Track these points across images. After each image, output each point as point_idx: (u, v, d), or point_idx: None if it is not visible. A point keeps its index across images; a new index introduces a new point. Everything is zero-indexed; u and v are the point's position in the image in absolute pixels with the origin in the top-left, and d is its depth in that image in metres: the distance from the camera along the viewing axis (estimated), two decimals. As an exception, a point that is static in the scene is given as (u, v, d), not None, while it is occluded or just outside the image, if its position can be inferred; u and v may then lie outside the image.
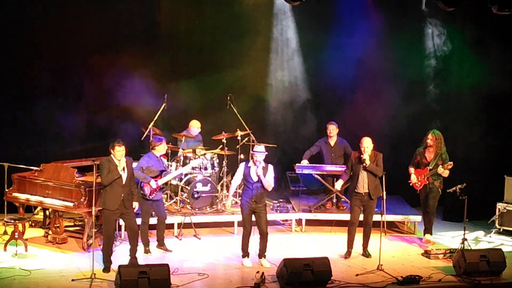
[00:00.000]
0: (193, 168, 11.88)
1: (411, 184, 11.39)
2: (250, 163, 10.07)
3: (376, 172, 10.43)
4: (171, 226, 11.39)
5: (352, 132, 12.92)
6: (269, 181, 10.02)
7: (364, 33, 13.16)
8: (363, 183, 10.52)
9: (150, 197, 10.47)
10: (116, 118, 12.75)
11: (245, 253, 10.23)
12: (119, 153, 9.48)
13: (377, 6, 13.19)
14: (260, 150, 10.01)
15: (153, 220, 10.82)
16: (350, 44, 13.24)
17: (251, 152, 10.13)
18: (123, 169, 9.52)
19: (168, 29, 12.92)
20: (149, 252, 10.55)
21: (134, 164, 10.09)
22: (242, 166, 10.14)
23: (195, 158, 11.94)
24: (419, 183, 11.29)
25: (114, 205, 9.53)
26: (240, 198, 10.72)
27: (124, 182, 9.56)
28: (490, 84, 13.13)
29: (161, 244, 10.76)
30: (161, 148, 10.65)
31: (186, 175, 12.02)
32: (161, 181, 10.55)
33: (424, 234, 11.55)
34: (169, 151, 11.96)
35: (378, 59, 13.48)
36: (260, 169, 9.94)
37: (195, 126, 12.50)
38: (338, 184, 11.08)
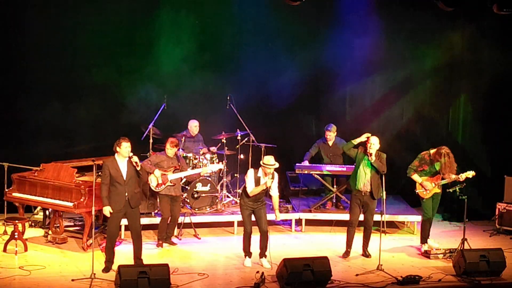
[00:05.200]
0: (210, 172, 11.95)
1: (419, 193, 10.91)
2: (260, 173, 10.02)
3: (380, 168, 10.39)
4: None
5: (352, 132, 12.93)
6: (275, 191, 10.13)
7: (368, 31, 13.16)
8: (365, 181, 10.50)
9: (157, 189, 10.67)
10: (116, 118, 12.75)
11: (247, 253, 10.23)
12: (126, 149, 9.43)
13: (385, 6, 13.19)
14: (272, 164, 9.94)
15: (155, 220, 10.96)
16: (352, 43, 13.24)
17: (261, 163, 10.00)
18: (136, 164, 9.46)
19: (168, 28, 12.91)
20: (161, 246, 10.81)
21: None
22: (251, 173, 10.05)
23: (211, 163, 11.97)
24: (429, 191, 10.91)
25: (119, 205, 9.51)
26: (239, 198, 10.71)
27: (126, 181, 9.49)
28: (490, 84, 13.15)
29: (167, 240, 10.98)
30: (168, 150, 10.83)
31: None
32: (171, 177, 10.68)
33: (426, 243, 11.13)
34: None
35: (380, 59, 13.49)
36: (274, 182, 10.02)
37: (193, 126, 12.51)
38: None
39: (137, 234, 9.77)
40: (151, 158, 10.95)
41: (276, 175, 10.10)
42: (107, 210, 9.54)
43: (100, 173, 10.56)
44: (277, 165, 10.02)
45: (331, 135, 12.34)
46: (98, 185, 9.74)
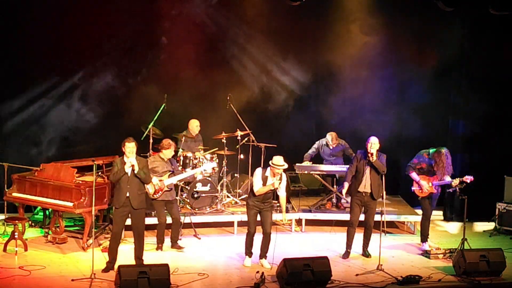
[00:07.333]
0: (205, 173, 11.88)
1: (415, 191, 11.02)
2: (268, 173, 9.95)
3: (380, 168, 10.39)
4: (171, 226, 11.37)
5: (353, 132, 12.95)
6: (283, 192, 10.05)
7: (368, 32, 13.14)
8: (366, 182, 10.48)
9: (155, 196, 10.57)
10: (116, 118, 12.75)
11: (248, 253, 10.23)
12: (128, 149, 9.50)
13: (386, 6, 13.19)
14: (281, 164, 9.85)
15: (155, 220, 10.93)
16: (353, 43, 13.24)
17: (270, 164, 9.90)
18: (132, 166, 9.50)
19: (167, 28, 12.90)
20: (161, 250, 10.71)
21: None
22: (259, 173, 9.97)
23: (202, 162, 11.91)
24: (425, 191, 10.96)
25: (119, 203, 9.55)
26: (247, 197, 10.64)
27: (129, 180, 9.53)
28: (490, 84, 13.15)
29: (174, 245, 10.84)
30: (167, 153, 10.73)
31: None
32: (167, 182, 10.60)
33: (426, 242, 11.18)
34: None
35: (380, 59, 13.48)
36: (283, 183, 9.94)
37: (194, 126, 12.49)
38: (345, 190, 10.71)
39: (139, 234, 9.77)
40: None
41: (284, 176, 10.03)
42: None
43: (99, 173, 10.57)
44: (286, 165, 9.94)
45: (333, 140, 12.34)
46: (98, 185, 9.74)
